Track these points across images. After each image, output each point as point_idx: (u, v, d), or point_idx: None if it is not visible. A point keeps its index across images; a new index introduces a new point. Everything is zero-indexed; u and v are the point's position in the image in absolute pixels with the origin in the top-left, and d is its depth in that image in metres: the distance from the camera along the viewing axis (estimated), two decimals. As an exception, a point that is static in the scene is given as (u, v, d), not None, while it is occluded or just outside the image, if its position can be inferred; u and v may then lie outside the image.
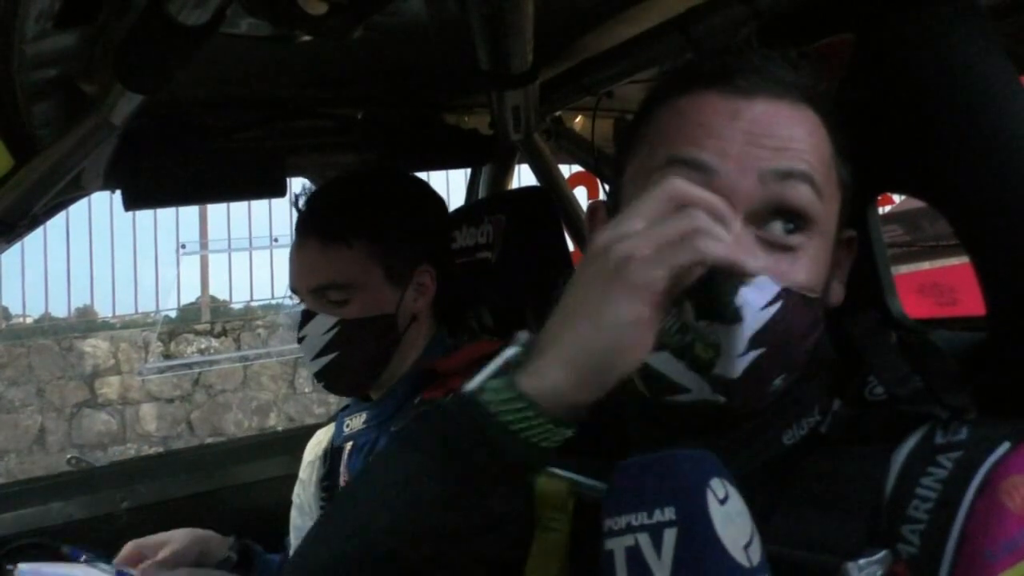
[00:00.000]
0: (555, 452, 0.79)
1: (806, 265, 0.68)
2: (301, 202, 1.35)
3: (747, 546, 0.54)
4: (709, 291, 0.63)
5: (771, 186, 0.66)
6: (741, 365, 0.65)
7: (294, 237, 1.33)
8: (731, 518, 0.55)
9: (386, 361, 1.31)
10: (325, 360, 1.28)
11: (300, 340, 1.31)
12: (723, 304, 0.63)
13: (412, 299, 1.32)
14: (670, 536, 0.54)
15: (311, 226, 1.30)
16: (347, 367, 1.29)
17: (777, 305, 0.65)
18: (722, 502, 0.55)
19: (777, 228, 0.67)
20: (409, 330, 1.32)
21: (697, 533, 0.53)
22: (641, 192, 0.67)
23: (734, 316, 0.64)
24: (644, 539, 0.54)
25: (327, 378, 1.31)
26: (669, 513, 0.54)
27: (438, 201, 1.44)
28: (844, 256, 0.76)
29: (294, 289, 1.33)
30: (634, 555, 0.55)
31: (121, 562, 1.34)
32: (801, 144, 0.68)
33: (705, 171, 0.66)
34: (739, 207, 0.66)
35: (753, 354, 0.65)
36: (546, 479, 0.77)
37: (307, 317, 1.29)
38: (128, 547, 1.36)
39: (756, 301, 0.64)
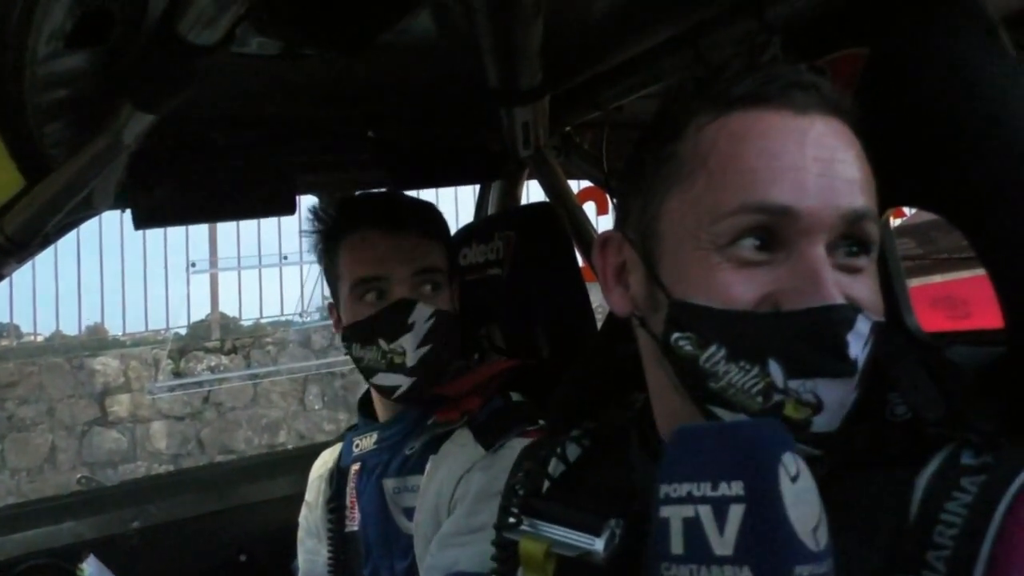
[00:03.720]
0: (551, 504, 0.78)
1: (873, 286, 0.67)
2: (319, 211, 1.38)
3: (815, 528, 0.50)
4: (814, 346, 0.61)
5: (848, 223, 0.65)
6: (843, 415, 0.63)
7: (386, 228, 1.29)
8: (801, 498, 0.50)
9: (450, 364, 1.31)
10: (424, 351, 1.25)
11: (409, 327, 1.24)
12: (837, 358, 0.61)
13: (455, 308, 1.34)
14: (736, 513, 0.49)
15: (409, 221, 1.31)
16: (438, 362, 1.27)
17: (871, 343, 0.64)
18: (794, 480, 0.51)
19: (847, 252, 0.66)
20: None
21: (766, 513, 0.49)
22: (701, 234, 0.65)
23: (852, 369, 0.62)
24: (706, 512, 0.50)
25: (423, 372, 1.26)
26: (736, 488, 0.50)
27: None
28: None
29: (386, 276, 1.27)
30: (693, 527, 0.51)
31: None
32: (860, 172, 0.66)
33: (786, 215, 0.63)
34: (821, 240, 0.64)
35: (852, 399, 0.64)
36: (527, 540, 0.76)
37: (408, 306, 1.25)
38: None
39: (859, 344, 0.62)
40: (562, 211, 1.70)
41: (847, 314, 0.62)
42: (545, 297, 1.48)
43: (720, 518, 0.50)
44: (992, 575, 0.56)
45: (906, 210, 3.57)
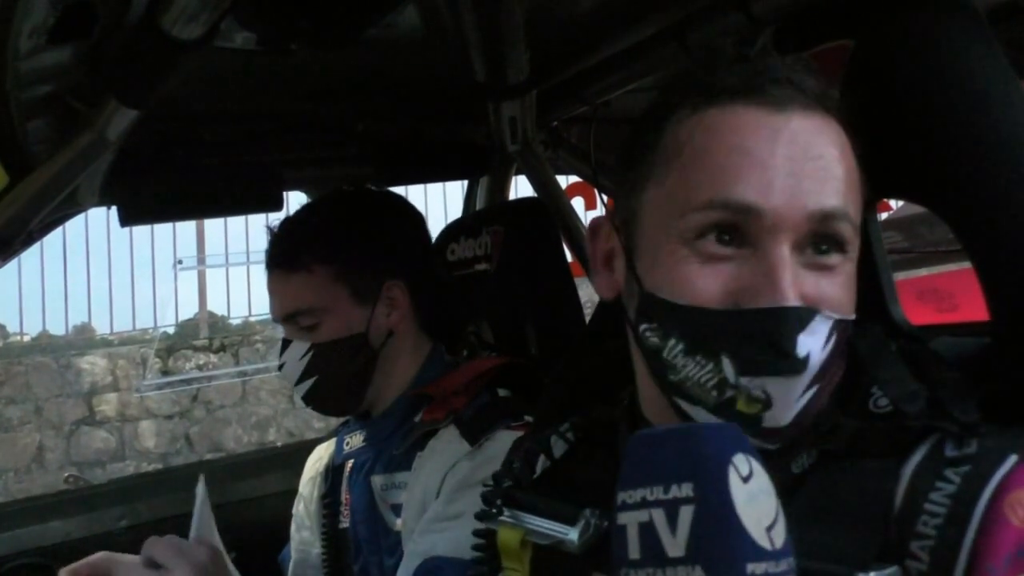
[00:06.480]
0: (531, 495, 0.79)
1: (844, 284, 0.67)
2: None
3: (770, 528, 0.51)
4: (762, 346, 0.62)
5: (816, 223, 0.65)
6: (796, 411, 0.64)
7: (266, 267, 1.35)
8: (754, 497, 0.51)
9: (367, 379, 1.31)
10: (307, 385, 1.30)
11: (280, 368, 1.34)
12: (783, 357, 0.62)
13: (384, 315, 1.31)
14: (686, 514, 0.50)
15: (273, 258, 1.33)
16: (328, 390, 1.31)
17: (832, 340, 0.64)
18: (745, 479, 0.51)
19: (817, 249, 0.66)
20: (387, 346, 1.31)
21: (715, 512, 0.50)
22: (672, 226, 0.66)
23: (800, 367, 0.63)
24: (659, 515, 0.51)
25: (313, 402, 1.34)
26: (687, 489, 0.50)
27: (406, 213, 1.43)
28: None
29: (274, 320, 1.36)
30: (647, 532, 0.51)
31: (85, 567, 1.01)
32: (837, 168, 0.66)
33: (750, 213, 0.64)
34: (786, 239, 0.64)
35: (808, 396, 0.64)
36: (505, 529, 0.77)
37: (284, 345, 1.33)
38: (98, 556, 1.04)
39: (816, 344, 0.63)
40: (550, 206, 1.70)
41: (799, 315, 0.63)
42: (533, 293, 1.48)
43: (672, 520, 0.50)
44: (974, 564, 0.57)
45: (892, 203, 3.59)
